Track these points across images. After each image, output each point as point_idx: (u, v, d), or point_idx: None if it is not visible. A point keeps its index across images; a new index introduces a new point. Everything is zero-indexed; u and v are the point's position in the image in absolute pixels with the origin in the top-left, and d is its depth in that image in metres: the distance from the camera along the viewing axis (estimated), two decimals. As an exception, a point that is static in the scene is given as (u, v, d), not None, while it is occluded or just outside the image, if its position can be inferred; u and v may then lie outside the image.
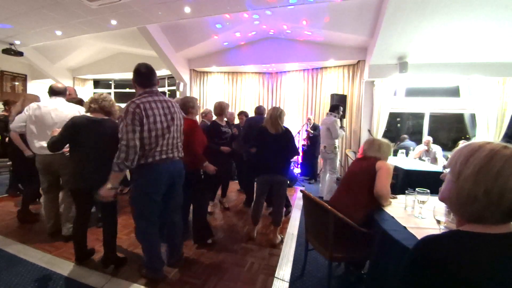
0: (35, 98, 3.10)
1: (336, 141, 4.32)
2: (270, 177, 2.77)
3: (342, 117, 5.09)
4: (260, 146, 2.85)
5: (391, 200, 1.99)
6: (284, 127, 2.76)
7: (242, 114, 4.69)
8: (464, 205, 0.67)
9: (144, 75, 1.89)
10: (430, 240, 0.67)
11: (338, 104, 4.76)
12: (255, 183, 2.96)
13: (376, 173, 1.93)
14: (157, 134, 1.84)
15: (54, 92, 2.71)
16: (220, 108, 3.33)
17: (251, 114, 4.59)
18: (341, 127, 4.46)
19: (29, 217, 3.11)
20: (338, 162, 4.93)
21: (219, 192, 3.97)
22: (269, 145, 2.73)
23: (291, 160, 2.84)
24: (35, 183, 3.18)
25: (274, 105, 2.99)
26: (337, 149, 4.38)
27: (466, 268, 0.58)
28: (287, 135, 2.74)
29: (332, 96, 5.71)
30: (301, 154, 6.17)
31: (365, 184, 1.95)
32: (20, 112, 2.94)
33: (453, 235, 0.67)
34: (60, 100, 2.72)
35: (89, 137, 2.06)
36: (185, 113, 2.42)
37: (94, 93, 7.78)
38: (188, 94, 7.27)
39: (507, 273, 0.56)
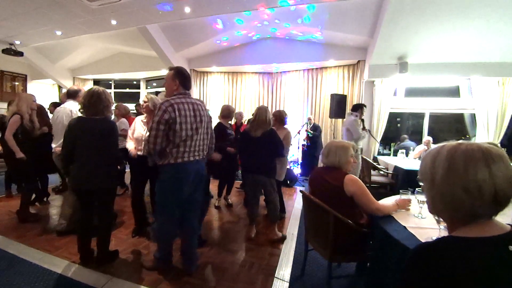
0: (30, 98, 3.11)
1: (360, 143, 4.00)
2: (254, 177, 2.83)
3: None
4: (244, 148, 2.94)
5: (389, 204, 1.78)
6: (269, 128, 2.77)
7: (240, 116, 4.80)
8: (453, 208, 0.67)
9: (187, 79, 2.08)
10: (425, 247, 0.67)
11: (362, 104, 4.51)
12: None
13: (345, 191, 1.78)
14: (187, 133, 1.95)
15: (67, 95, 2.97)
16: (228, 111, 3.38)
17: (250, 113, 4.66)
18: (364, 128, 4.15)
19: (29, 217, 3.10)
20: (359, 170, 4.20)
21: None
22: (251, 147, 2.79)
23: (279, 158, 2.94)
24: (33, 183, 3.20)
25: (260, 105, 2.98)
26: (358, 152, 3.81)
27: (461, 274, 0.58)
28: (268, 137, 2.74)
29: (332, 96, 5.69)
30: (301, 154, 6.17)
31: (342, 204, 1.79)
32: (15, 112, 2.93)
33: (447, 242, 0.66)
34: (67, 103, 2.91)
35: (82, 137, 2.10)
36: None
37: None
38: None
39: (500, 276, 0.56)
